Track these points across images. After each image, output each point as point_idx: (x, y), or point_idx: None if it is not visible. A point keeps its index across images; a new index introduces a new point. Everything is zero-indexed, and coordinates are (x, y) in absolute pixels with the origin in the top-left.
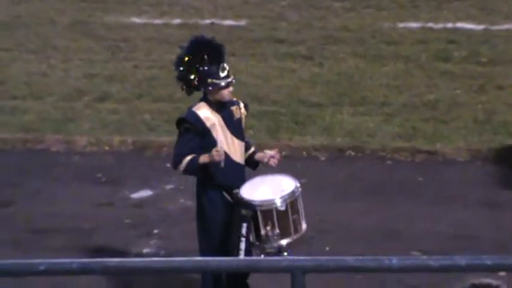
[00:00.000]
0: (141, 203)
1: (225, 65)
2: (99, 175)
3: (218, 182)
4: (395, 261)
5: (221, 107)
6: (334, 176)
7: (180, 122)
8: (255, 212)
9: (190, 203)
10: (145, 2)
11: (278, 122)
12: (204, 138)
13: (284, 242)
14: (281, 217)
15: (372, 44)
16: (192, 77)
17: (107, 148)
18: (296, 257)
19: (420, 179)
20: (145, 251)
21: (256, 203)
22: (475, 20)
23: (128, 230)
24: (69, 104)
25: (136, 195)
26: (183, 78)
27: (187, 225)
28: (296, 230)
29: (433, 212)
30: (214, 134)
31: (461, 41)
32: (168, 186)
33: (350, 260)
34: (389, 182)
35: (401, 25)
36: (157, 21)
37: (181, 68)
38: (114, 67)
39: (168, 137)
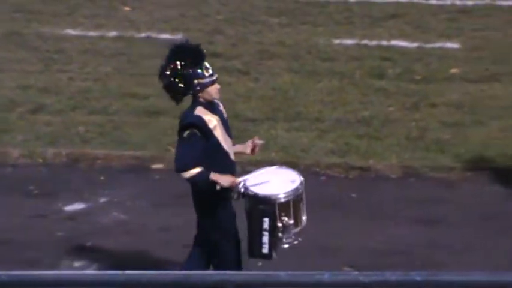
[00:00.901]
0: (74, 216)
1: (207, 64)
2: (32, 187)
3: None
4: (326, 276)
5: (214, 108)
6: None
7: (187, 127)
8: (273, 206)
9: (124, 216)
10: (80, 14)
11: None
12: (208, 141)
13: (297, 230)
14: (295, 207)
15: (307, 59)
16: (181, 84)
17: (40, 160)
18: (228, 272)
19: (353, 195)
20: (77, 264)
21: (275, 197)
22: (409, 38)
23: (61, 242)
24: (2, 115)
25: (69, 208)
26: (170, 87)
27: (120, 238)
28: (302, 220)
29: (366, 228)
30: (216, 135)
31: (396, 59)
32: (102, 199)
33: (282, 274)
34: (322, 198)
35: (336, 41)
36: (93, 33)
37: (167, 77)
38: (49, 79)
39: (102, 150)
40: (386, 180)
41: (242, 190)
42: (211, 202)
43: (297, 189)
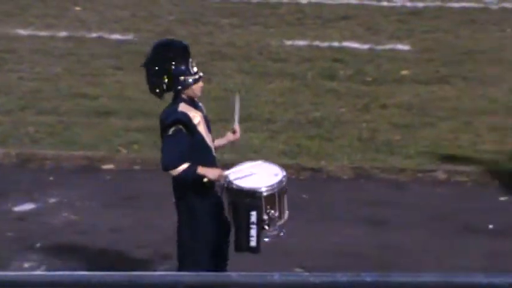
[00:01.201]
0: (23, 216)
1: (193, 62)
2: None
3: (209, 184)
4: (277, 277)
5: (196, 104)
6: None
7: (172, 124)
8: (259, 199)
9: (74, 216)
10: (31, 14)
11: None
12: (192, 137)
13: (281, 223)
14: (280, 200)
15: (258, 60)
16: (165, 79)
17: None
18: (180, 272)
19: (305, 196)
20: (27, 264)
21: (261, 190)
22: (361, 39)
23: (10, 243)
24: None
25: (18, 209)
26: (153, 82)
27: (70, 239)
28: (285, 212)
29: (318, 229)
30: (200, 130)
31: (347, 60)
32: (52, 200)
33: (234, 275)
34: None
35: (288, 43)
36: (43, 33)
37: (152, 73)
38: None
39: (52, 150)
40: (338, 181)
41: (225, 184)
42: (190, 197)
43: (281, 181)
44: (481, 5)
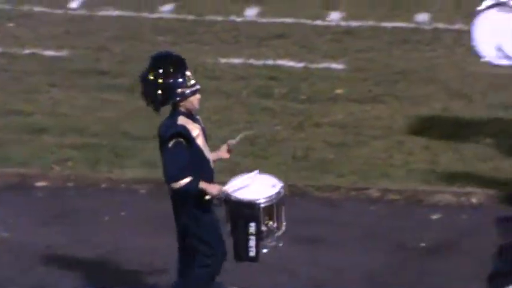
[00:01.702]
0: None
1: (189, 74)
2: None
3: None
4: None
5: (193, 117)
6: (153, 209)
7: (172, 137)
8: (258, 210)
9: (6, 234)
10: None
11: (98, 154)
12: (191, 149)
13: (279, 234)
14: (278, 211)
15: (194, 78)
16: (160, 92)
17: None
18: None
19: None
20: None
21: (260, 201)
22: (295, 58)
23: None
24: None
25: None
26: (150, 95)
27: (1, 257)
28: (283, 224)
29: None
30: (199, 143)
31: (282, 78)
32: None
33: None
34: None
35: (223, 60)
36: None
37: (147, 86)
38: None
39: None
40: None
41: (224, 197)
42: (193, 211)
43: (279, 193)
44: (413, 25)
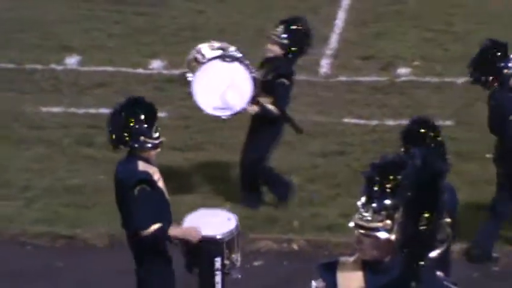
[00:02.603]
0: None
1: (157, 126)
2: None
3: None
4: None
5: (150, 160)
6: None
7: (137, 184)
8: (222, 244)
9: None
10: None
11: None
12: (155, 194)
13: (238, 265)
14: (238, 242)
15: (15, 128)
16: (125, 134)
17: None
18: None
19: (61, 264)
20: None
21: (224, 236)
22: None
23: None
24: None
25: None
26: (115, 133)
27: None
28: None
29: None
30: (160, 186)
31: (103, 126)
32: None
33: None
34: (29, 269)
35: (44, 109)
36: None
37: (114, 123)
38: None
39: None
40: (94, 249)
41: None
42: (159, 261)
43: (237, 225)
44: None
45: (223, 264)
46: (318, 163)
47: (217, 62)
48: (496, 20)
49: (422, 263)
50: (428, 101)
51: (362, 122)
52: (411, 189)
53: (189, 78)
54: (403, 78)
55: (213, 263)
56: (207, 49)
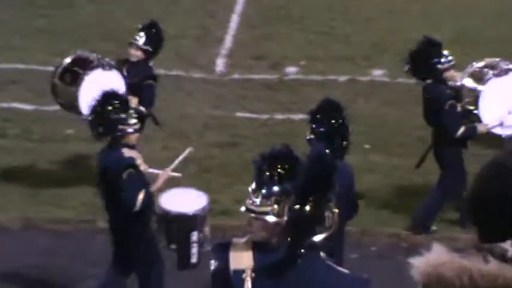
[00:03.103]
0: None
1: (132, 112)
2: None
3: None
4: None
5: (131, 147)
6: None
7: (125, 168)
8: (196, 219)
9: None
10: None
11: None
12: (138, 176)
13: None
14: (208, 217)
15: None
16: (108, 125)
17: None
18: None
19: None
20: None
21: (197, 212)
22: (28, 101)
23: None
24: None
25: None
26: (95, 126)
27: None
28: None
29: None
30: (142, 169)
31: (15, 120)
32: None
33: None
34: None
35: None
36: None
37: (93, 117)
38: None
39: None
40: (8, 232)
41: (161, 212)
42: (133, 228)
43: (209, 202)
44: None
45: (198, 238)
46: (214, 154)
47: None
48: (371, 23)
49: (304, 244)
50: (313, 97)
51: (254, 116)
52: (303, 178)
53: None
54: (290, 77)
55: (189, 237)
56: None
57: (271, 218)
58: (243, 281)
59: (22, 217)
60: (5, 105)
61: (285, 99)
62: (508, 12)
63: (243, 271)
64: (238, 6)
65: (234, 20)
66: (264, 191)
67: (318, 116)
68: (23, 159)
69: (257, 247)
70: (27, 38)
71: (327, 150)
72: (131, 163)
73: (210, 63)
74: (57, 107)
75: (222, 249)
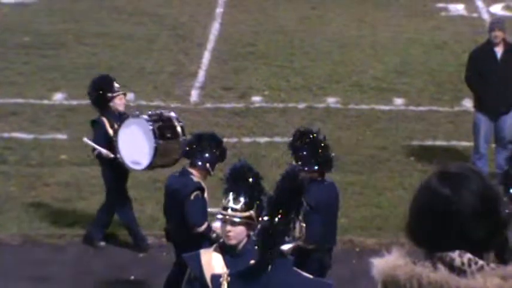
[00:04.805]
0: None
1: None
2: None
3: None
4: None
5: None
6: None
7: (194, 191)
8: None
9: None
10: None
11: None
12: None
13: None
14: None
15: None
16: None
17: None
18: None
19: None
20: None
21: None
22: (26, 131)
23: None
24: None
25: None
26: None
27: None
28: None
29: None
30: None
31: (15, 148)
32: None
33: None
34: None
35: None
36: None
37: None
38: None
39: None
40: (9, 246)
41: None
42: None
43: None
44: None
45: None
46: None
47: None
48: (326, 57)
49: (275, 252)
50: (276, 122)
51: (224, 140)
52: (274, 192)
53: None
54: (256, 105)
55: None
56: None
57: (239, 226)
58: (220, 285)
59: (21, 233)
60: (6, 134)
61: (251, 124)
62: (447, 44)
63: (220, 276)
64: (210, 44)
65: (206, 56)
66: (242, 198)
67: (297, 144)
68: (23, 182)
69: (225, 252)
70: (25, 76)
71: (315, 167)
72: (199, 187)
73: (185, 95)
74: (52, 136)
75: (194, 259)
